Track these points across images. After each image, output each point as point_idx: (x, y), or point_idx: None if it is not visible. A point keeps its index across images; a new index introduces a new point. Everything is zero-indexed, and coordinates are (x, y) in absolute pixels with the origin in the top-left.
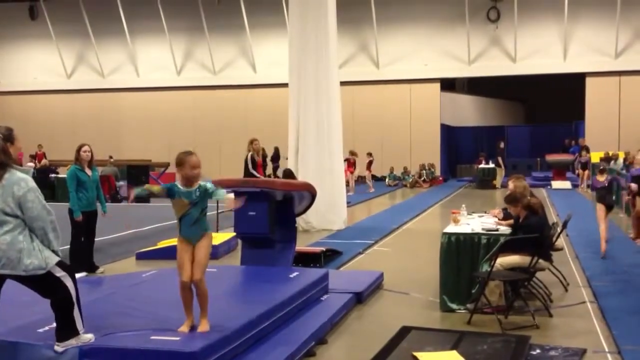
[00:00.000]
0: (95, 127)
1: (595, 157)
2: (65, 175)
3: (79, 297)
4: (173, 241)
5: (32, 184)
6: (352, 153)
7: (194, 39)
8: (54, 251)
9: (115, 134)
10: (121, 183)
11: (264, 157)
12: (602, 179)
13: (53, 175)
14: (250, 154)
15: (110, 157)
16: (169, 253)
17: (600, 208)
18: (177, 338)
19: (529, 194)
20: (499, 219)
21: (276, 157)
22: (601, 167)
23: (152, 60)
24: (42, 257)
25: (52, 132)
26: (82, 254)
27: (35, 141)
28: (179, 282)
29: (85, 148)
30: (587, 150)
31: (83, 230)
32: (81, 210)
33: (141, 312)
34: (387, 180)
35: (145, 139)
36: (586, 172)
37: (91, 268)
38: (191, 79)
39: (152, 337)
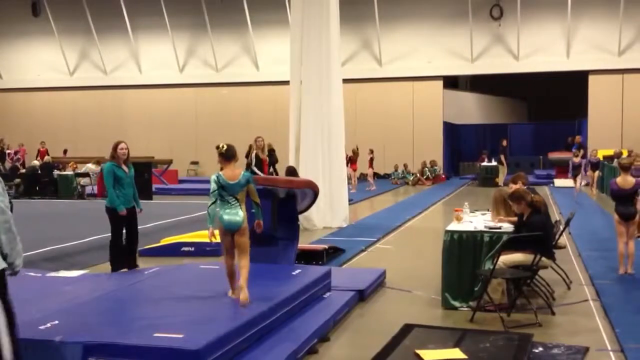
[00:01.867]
0: (98, 124)
1: (598, 155)
2: (67, 173)
3: (12, 321)
4: (176, 238)
5: None
6: (354, 151)
7: (197, 36)
8: (3, 255)
9: (117, 131)
10: None
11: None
12: (577, 160)
13: (56, 172)
14: (254, 152)
15: None
16: (172, 250)
17: (576, 181)
18: (181, 335)
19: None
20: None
21: (249, 154)
22: (576, 153)
23: (155, 57)
24: None
25: (54, 129)
26: (122, 252)
27: (37, 138)
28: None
29: (122, 145)
30: (583, 148)
31: (124, 228)
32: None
33: (144, 309)
34: (391, 178)
35: (147, 136)
36: (596, 173)
37: (130, 265)
38: (194, 76)
39: (156, 335)
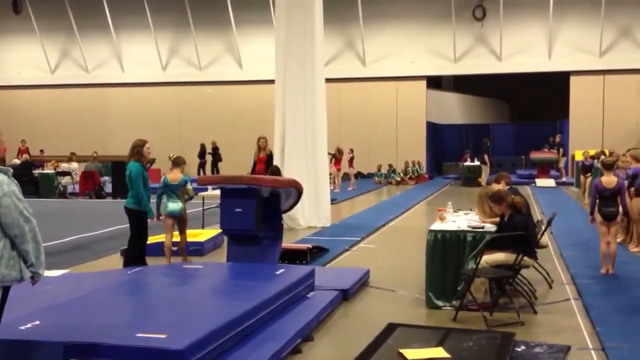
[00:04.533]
0: (80, 122)
1: (578, 155)
2: (48, 171)
3: None
4: (157, 238)
5: (8, 187)
6: (339, 151)
7: (180, 35)
8: (29, 264)
9: (99, 129)
10: (105, 178)
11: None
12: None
13: (36, 170)
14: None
15: (95, 153)
16: (154, 250)
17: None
18: (164, 335)
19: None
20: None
21: (202, 154)
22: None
23: (137, 55)
24: (19, 269)
25: (35, 127)
26: (140, 254)
27: (18, 136)
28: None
29: (148, 145)
30: (562, 147)
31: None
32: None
33: (127, 308)
34: (375, 177)
35: (130, 134)
36: (589, 179)
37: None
38: (176, 75)
39: (138, 335)
